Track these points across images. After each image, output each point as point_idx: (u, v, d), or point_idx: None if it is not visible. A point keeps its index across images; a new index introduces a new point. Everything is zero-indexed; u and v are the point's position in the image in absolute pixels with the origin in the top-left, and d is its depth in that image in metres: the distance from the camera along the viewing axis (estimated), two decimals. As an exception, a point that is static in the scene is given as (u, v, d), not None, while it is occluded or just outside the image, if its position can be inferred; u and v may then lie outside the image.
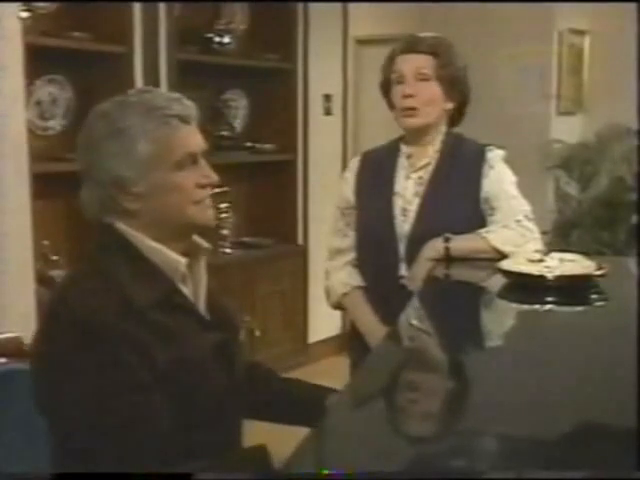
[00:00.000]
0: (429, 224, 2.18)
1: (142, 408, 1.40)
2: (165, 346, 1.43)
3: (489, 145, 2.28)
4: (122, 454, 1.38)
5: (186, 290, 1.54)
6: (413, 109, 2.22)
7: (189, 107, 1.52)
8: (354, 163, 2.40)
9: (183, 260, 1.52)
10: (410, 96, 2.21)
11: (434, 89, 2.22)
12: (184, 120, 1.50)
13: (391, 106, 2.33)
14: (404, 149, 2.30)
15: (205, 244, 1.60)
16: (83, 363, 1.38)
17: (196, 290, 1.57)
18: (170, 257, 1.50)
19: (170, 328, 1.46)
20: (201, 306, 1.57)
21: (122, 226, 1.50)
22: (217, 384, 1.52)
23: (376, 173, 2.31)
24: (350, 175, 2.36)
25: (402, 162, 2.29)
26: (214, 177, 1.54)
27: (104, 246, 1.51)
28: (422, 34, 2.28)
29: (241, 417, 1.61)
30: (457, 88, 2.26)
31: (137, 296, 1.43)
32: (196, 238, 1.59)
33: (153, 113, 1.48)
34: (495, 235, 2.15)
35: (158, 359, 1.41)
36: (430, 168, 2.25)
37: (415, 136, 2.28)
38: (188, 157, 1.50)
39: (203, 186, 1.52)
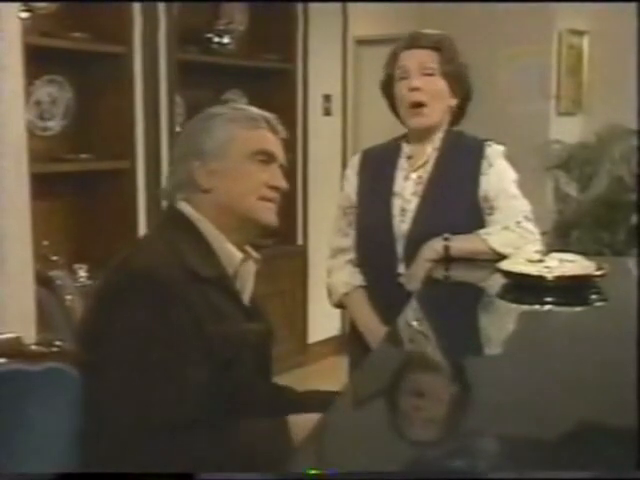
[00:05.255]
0: (427, 224, 2.18)
1: (183, 368, 1.47)
2: (213, 319, 1.53)
3: (488, 140, 2.27)
4: (152, 410, 1.44)
5: (236, 284, 1.66)
6: (421, 104, 2.20)
7: (277, 121, 1.71)
8: (354, 161, 2.39)
9: (239, 254, 1.64)
10: (417, 89, 2.20)
11: (439, 84, 2.22)
12: (268, 124, 1.68)
13: (392, 107, 2.32)
14: (405, 149, 2.29)
15: (255, 254, 1.71)
16: (136, 313, 1.47)
17: (243, 289, 1.68)
18: (228, 247, 1.63)
19: (219, 306, 1.57)
20: (245, 302, 1.68)
21: (188, 208, 1.64)
22: (251, 369, 1.62)
23: (376, 173, 2.30)
24: (351, 173, 2.36)
25: (402, 163, 2.28)
26: (284, 184, 1.69)
27: (172, 225, 1.65)
28: (425, 30, 2.28)
29: (268, 405, 1.68)
30: (460, 84, 2.26)
31: (195, 268, 1.55)
32: (248, 248, 1.70)
33: (243, 110, 1.71)
34: (495, 237, 2.14)
35: (205, 329, 1.51)
36: (428, 167, 2.25)
37: (419, 135, 2.27)
38: (263, 152, 1.65)
39: (271, 187, 1.66)
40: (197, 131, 1.67)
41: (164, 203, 1.76)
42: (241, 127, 1.65)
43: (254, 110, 1.71)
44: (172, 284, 1.50)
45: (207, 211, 1.63)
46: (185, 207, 1.65)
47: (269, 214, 1.67)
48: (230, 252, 1.64)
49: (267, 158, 1.66)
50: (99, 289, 1.62)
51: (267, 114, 1.71)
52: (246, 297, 1.69)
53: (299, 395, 1.82)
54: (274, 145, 1.68)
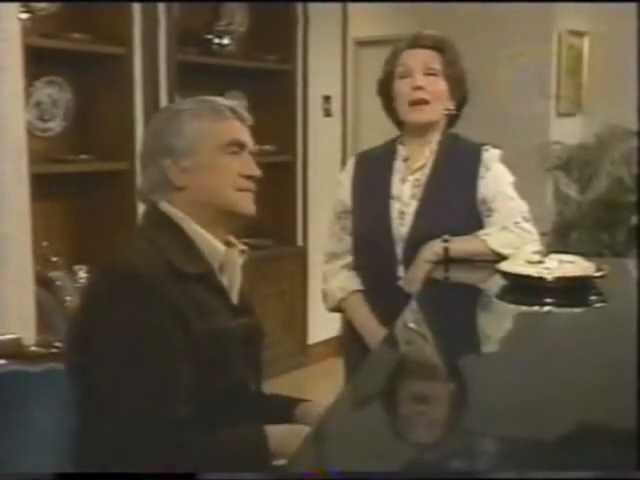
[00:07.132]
0: (427, 226, 2.17)
1: (170, 366, 1.47)
2: (199, 317, 1.53)
3: (485, 145, 2.27)
4: (140, 407, 1.44)
5: (223, 279, 1.66)
6: (424, 102, 2.20)
7: (242, 107, 1.70)
8: (349, 165, 2.38)
9: (223, 248, 1.64)
10: (420, 88, 2.20)
11: (441, 85, 2.22)
12: (234, 113, 1.67)
13: (387, 106, 2.31)
14: (401, 151, 2.29)
15: (241, 246, 1.72)
16: (122, 313, 1.48)
17: (231, 284, 1.68)
18: (211, 242, 1.63)
19: (205, 303, 1.56)
20: (233, 299, 1.67)
21: (168, 207, 1.63)
22: (241, 366, 1.61)
23: (372, 176, 2.30)
24: (346, 178, 2.34)
25: (398, 165, 2.27)
26: (257, 171, 1.67)
27: (152, 223, 1.64)
28: (427, 31, 2.28)
29: (259, 401, 1.68)
30: (459, 87, 2.26)
31: (179, 265, 1.55)
32: (232, 239, 1.71)
33: (207, 102, 1.69)
34: (494, 237, 2.14)
35: (192, 327, 1.51)
36: (426, 170, 2.24)
37: (416, 134, 2.26)
38: (234, 143, 1.64)
39: (246, 176, 1.64)
40: (164, 130, 1.65)
41: (143, 205, 1.74)
42: (208, 120, 1.64)
43: (218, 100, 1.69)
44: (156, 283, 1.50)
45: (185, 208, 1.62)
46: (164, 206, 1.63)
47: (247, 204, 1.67)
48: (213, 246, 1.63)
49: (238, 148, 1.65)
50: (86, 292, 1.63)
51: (231, 102, 1.70)
52: (235, 292, 1.68)
53: (284, 400, 1.82)
54: (243, 134, 1.67)
